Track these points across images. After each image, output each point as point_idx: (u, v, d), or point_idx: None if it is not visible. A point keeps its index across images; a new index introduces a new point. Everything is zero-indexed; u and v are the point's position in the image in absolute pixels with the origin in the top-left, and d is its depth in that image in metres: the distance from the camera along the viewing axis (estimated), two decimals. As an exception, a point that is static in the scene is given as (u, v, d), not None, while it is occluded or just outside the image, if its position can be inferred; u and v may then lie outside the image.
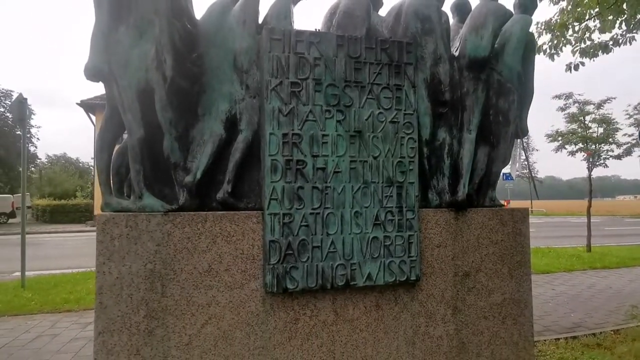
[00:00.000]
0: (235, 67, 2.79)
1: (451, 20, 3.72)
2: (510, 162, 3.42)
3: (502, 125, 3.18)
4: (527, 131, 3.46)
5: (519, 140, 3.57)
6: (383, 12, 3.44)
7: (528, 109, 3.46)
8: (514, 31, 3.22)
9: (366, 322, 2.73)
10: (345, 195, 2.68)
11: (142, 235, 2.39)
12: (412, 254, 2.79)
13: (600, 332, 6.02)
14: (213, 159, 2.70)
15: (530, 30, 3.42)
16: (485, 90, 3.16)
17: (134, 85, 2.53)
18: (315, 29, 2.78)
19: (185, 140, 2.71)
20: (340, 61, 2.75)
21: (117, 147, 2.84)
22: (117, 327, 2.31)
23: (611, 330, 6.10)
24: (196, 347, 2.42)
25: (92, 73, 2.55)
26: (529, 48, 3.38)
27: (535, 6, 3.44)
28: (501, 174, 3.94)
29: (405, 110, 2.85)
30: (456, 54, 3.25)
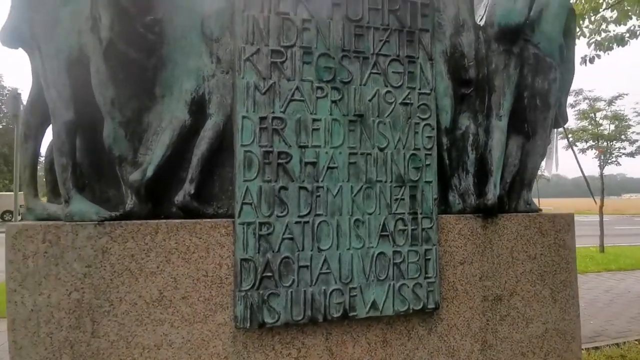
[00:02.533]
0: (203, 35, 2.18)
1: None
2: (546, 157, 2.79)
3: (540, 111, 2.54)
4: (567, 118, 2.83)
5: (555, 130, 2.93)
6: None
7: (568, 91, 2.83)
8: None
9: (370, 364, 2.10)
10: (342, 199, 2.05)
11: (65, 253, 1.76)
12: (430, 274, 2.15)
13: (624, 342, 5.49)
14: (172, 151, 2.08)
15: None
16: (519, 67, 2.52)
17: (64, 52, 1.91)
18: (304, -16, 2.16)
19: (137, 127, 2.09)
20: (336, 25, 2.13)
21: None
22: (28, 379, 1.69)
23: (635, 340, 5.56)
24: (141, 403, 1.79)
25: (8, 36, 1.94)
26: (569, 18, 2.75)
27: None
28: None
29: (420, 89, 2.22)
30: (481, 22, 2.61)
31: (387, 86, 2.17)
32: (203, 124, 2.15)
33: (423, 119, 2.20)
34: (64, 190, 1.88)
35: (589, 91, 12.91)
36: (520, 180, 2.56)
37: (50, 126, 2.04)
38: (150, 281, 1.84)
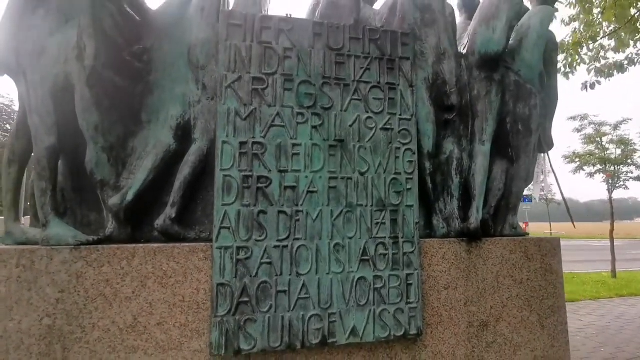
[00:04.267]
0: (190, 63, 2.25)
1: (458, 19, 3.20)
2: (532, 182, 2.79)
3: (523, 136, 2.56)
4: (553, 144, 2.84)
5: (542, 155, 2.94)
6: (378, 6, 2.92)
7: (552, 118, 2.86)
8: (532, 24, 2.66)
9: (351, 394, 2.04)
10: (322, 223, 2.05)
11: (39, 278, 1.75)
12: (412, 300, 2.12)
13: None
14: (154, 175, 2.11)
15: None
16: (500, 94, 2.56)
17: (50, 80, 1.96)
18: (287, 14, 2.23)
19: (121, 151, 2.13)
20: (317, 53, 2.19)
21: None
22: (-6, 409, 1.65)
23: None
24: None
25: None
26: (550, 47, 2.81)
27: None
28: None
29: (400, 115, 2.25)
30: (464, 51, 2.68)
31: (367, 112, 2.20)
32: (188, 149, 2.18)
33: (404, 144, 2.23)
34: (42, 214, 1.89)
35: (594, 116, 13.03)
36: (506, 204, 2.56)
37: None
38: (125, 307, 1.82)
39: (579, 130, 12.60)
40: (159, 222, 2.05)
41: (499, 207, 2.54)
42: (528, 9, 2.78)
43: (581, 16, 6.63)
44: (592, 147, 12.57)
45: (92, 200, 2.11)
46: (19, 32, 1.99)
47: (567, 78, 7.34)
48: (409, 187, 2.20)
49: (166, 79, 2.27)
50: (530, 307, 2.40)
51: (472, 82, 2.57)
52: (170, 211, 2.07)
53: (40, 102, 1.93)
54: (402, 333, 2.08)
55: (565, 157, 13.05)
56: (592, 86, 7.27)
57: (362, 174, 2.14)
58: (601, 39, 6.78)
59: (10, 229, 2.01)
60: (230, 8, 2.48)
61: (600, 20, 6.49)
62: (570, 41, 6.93)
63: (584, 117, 12.41)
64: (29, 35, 1.99)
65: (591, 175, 12.69)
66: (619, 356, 6.10)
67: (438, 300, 2.24)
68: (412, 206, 2.19)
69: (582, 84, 7.33)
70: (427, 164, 2.36)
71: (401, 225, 2.15)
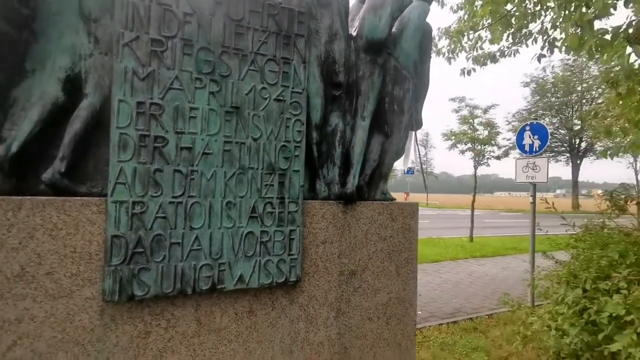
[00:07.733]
0: (81, 14, 2.17)
1: (353, 1, 3.49)
2: (403, 155, 3.31)
3: (397, 115, 3.02)
4: (422, 124, 3.38)
5: (413, 132, 3.48)
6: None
7: (423, 101, 3.38)
8: (411, 17, 3.07)
9: (236, 330, 2.35)
10: (216, 182, 2.25)
11: None
12: (293, 252, 2.47)
13: (477, 317, 6.69)
14: (41, 128, 2.07)
15: (430, 29, 3.31)
16: (382, 76, 2.96)
17: None
18: (188, -21, 2.28)
19: (2, 101, 2.03)
20: (217, 22, 2.30)
21: None
22: None
23: (486, 315, 6.78)
24: (-4, 377, 1.81)
25: None
26: (425, 38, 3.28)
27: None
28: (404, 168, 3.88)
29: (293, 88, 2.51)
30: (354, 34, 3.00)
31: (263, 83, 2.41)
32: (78, 103, 2.16)
33: (294, 115, 2.50)
34: None
35: (470, 99, 15.04)
36: (379, 173, 3.03)
37: None
38: (12, 257, 1.84)
39: (457, 111, 14.45)
40: (47, 175, 2.04)
41: (373, 175, 3.00)
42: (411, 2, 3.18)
43: (466, 6, 7.32)
44: (465, 128, 14.54)
45: (-33, 150, 2.00)
46: None
47: (450, 63, 8.27)
48: (296, 154, 2.50)
49: (51, 27, 2.17)
50: (391, 259, 2.94)
51: (359, 63, 2.91)
52: (59, 165, 2.07)
53: None
54: (283, 280, 2.43)
55: (444, 134, 14.95)
56: (469, 73, 8.32)
57: (254, 140, 2.37)
58: (479, 30, 7.64)
59: None
60: None
61: (480, 12, 7.20)
62: (455, 28, 7.71)
63: (462, 100, 14.26)
64: None
65: (462, 152, 14.77)
66: (467, 306, 7.54)
67: (316, 253, 2.64)
68: (298, 171, 2.50)
69: (461, 69, 8.33)
70: (315, 134, 2.67)
71: (288, 187, 2.46)
